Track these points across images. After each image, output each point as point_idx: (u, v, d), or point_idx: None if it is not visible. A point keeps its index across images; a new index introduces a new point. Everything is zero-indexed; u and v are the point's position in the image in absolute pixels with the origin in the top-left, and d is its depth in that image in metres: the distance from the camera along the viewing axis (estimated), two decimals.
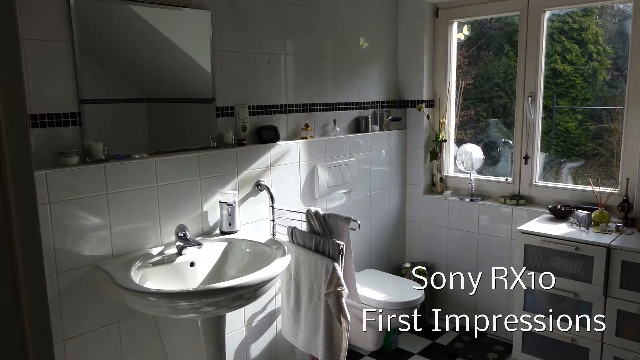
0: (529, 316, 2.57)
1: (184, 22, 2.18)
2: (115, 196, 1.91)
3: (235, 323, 2.41)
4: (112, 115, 2.02)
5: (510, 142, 3.17)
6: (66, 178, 1.77)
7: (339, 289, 2.16)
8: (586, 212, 2.56)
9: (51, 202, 1.73)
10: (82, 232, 1.83)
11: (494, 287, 3.09)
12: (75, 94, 1.85)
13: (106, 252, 1.91)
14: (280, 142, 2.55)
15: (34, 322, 0.51)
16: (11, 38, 0.46)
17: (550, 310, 2.51)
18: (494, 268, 3.06)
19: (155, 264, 1.95)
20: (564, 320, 2.45)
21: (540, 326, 2.54)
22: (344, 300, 2.17)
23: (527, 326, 2.58)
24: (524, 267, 2.55)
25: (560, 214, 2.70)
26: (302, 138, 2.70)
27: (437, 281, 3.37)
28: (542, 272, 2.49)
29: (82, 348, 1.87)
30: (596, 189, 2.65)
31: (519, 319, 2.61)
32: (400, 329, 3.19)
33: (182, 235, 2.01)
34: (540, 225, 2.61)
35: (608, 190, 2.63)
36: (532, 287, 2.54)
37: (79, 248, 1.83)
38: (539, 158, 3.00)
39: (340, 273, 2.18)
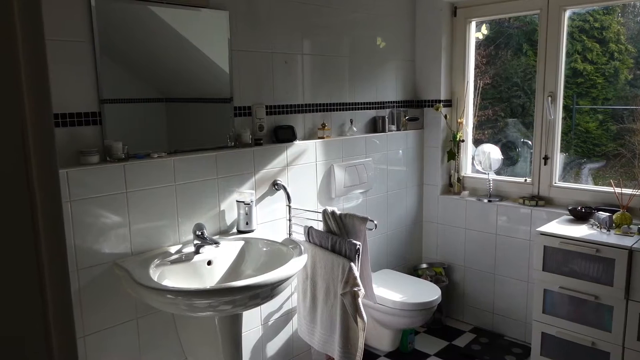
0: (548, 319, 2.54)
1: (202, 23, 2.20)
2: (135, 195, 1.93)
3: (252, 322, 2.42)
4: (132, 114, 2.05)
5: (529, 142, 3.13)
6: (87, 177, 1.80)
7: (356, 289, 2.15)
8: (607, 214, 2.52)
9: (72, 200, 1.76)
10: (101, 230, 1.86)
11: (512, 288, 3.06)
12: (96, 93, 1.87)
13: (125, 250, 1.93)
14: (297, 142, 2.56)
15: (59, 318, 0.52)
16: (37, 40, 0.47)
17: (570, 313, 2.47)
18: (512, 269, 3.04)
19: (173, 262, 1.97)
20: (584, 323, 2.42)
21: (559, 329, 2.50)
22: (360, 300, 2.17)
23: (546, 329, 2.55)
24: (543, 269, 2.52)
25: (580, 215, 2.66)
26: (319, 138, 2.70)
27: (455, 282, 3.35)
28: (561, 275, 2.46)
29: (102, 344, 1.90)
30: (618, 190, 2.60)
31: (537, 321, 2.58)
32: (416, 330, 3.18)
33: (200, 233, 2.03)
34: (559, 226, 2.57)
35: (630, 192, 2.58)
36: (552, 289, 2.50)
37: (98, 246, 1.85)
38: (558, 158, 2.95)
39: (357, 273, 2.18)
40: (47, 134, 0.49)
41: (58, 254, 0.51)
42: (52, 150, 0.49)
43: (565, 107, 2.93)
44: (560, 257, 2.47)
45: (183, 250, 2.03)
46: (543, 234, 2.51)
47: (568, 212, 2.73)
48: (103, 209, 1.85)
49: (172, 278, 1.91)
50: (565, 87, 2.90)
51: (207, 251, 2.06)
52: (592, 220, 2.60)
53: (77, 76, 1.83)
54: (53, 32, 1.74)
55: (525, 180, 3.07)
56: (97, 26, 1.84)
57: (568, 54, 2.88)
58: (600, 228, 2.50)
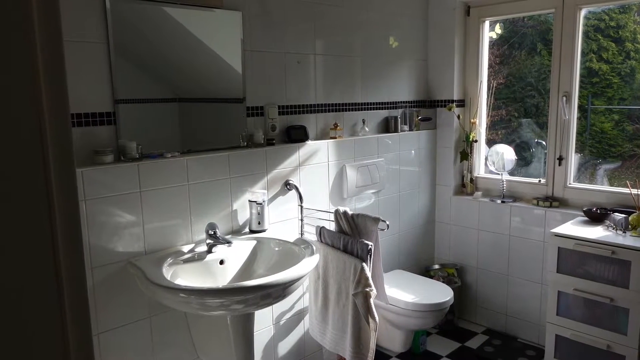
0: (563, 321, 2.51)
1: (216, 23, 2.21)
2: (148, 194, 1.95)
3: (264, 321, 2.43)
4: (145, 114, 2.07)
5: (543, 142, 3.11)
6: (101, 176, 1.82)
7: (367, 289, 2.15)
8: (623, 215, 2.49)
9: (87, 199, 1.78)
10: (116, 229, 1.88)
11: (525, 290, 3.04)
12: (111, 94, 1.90)
13: (139, 249, 1.95)
14: (309, 142, 2.56)
15: (75, 315, 0.53)
16: (56, 42, 0.48)
17: (585, 316, 2.44)
18: (525, 271, 3.02)
19: (186, 261, 1.99)
20: (599, 326, 2.39)
21: (574, 331, 2.48)
22: (372, 300, 2.16)
23: (560, 331, 2.53)
24: (557, 271, 2.50)
25: (595, 216, 2.63)
26: (331, 138, 2.70)
27: (467, 283, 3.33)
28: (576, 277, 2.43)
29: (115, 342, 1.92)
30: (634, 191, 2.57)
31: (551, 323, 2.56)
32: (428, 331, 3.17)
33: (212, 233, 2.04)
34: (574, 228, 2.55)
35: None
36: (566, 291, 2.48)
37: (112, 244, 1.87)
38: (573, 159, 2.92)
39: (369, 273, 2.18)
40: (65, 135, 0.50)
41: (75, 252, 0.52)
42: (69, 150, 0.50)
43: (580, 107, 2.90)
44: (574, 258, 2.45)
45: (196, 250, 2.05)
46: (557, 235, 2.49)
47: (583, 214, 2.70)
48: (117, 207, 1.87)
49: (185, 277, 1.93)
50: (580, 86, 2.87)
51: (220, 250, 2.07)
52: (607, 222, 2.57)
53: (93, 76, 1.85)
54: (69, 33, 1.77)
55: (539, 181, 3.05)
56: (112, 27, 1.86)
57: (583, 54, 2.85)
58: (616, 229, 2.47)
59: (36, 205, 0.50)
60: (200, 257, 2.03)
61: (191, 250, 2.04)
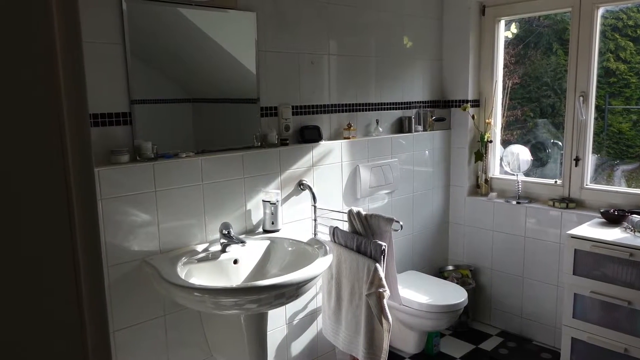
0: (579, 324, 2.48)
1: (230, 24, 2.23)
2: (163, 194, 1.97)
3: (277, 321, 2.44)
4: (161, 115, 2.09)
5: (560, 143, 3.07)
6: (117, 175, 1.84)
7: (381, 290, 2.15)
8: None
9: (103, 198, 1.80)
10: (131, 228, 1.90)
11: (541, 292, 3.01)
12: (127, 94, 1.92)
13: (154, 248, 1.97)
14: (322, 142, 2.57)
15: (93, 314, 0.54)
16: (75, 44, 0.49)
17: (602, 319, 2.41)
18: (541, 273, 2.99)
19: (200, 260, 2.00)
20: (617, 329, 2.36)
21: (590, 334, 2.45)
22: (385, 301, 2.16)
23: (577, 334, 2.50)
24: (574, 273, 2.47)
25: (613, 218, 2.60)
26: (345, 138, 2.70)
27: (482, 285, 3.31)
28: (593, 279, 2.40)
29: (130, 340, 1.94)
30: None
31: (567, 326, 2.53)
32: (442, 333, 3.15)
33: (227, 232, 2.06)
34: (591, 229, 2.52)
35: None
36: (582, 293, 2.45)
37: (128, 243, 1.90)
38: (590, 160, 2.89)
39: (382, 274, 2.17)
40: (84, 135, 0.51)
41: (93, 251, 0.53)
42: (88, 150, 0.51)
43: (597, 107, 2.86)
44: (591, 261, 2.42)
45: (210, 249, 2.06)
46: (574, 237, 2.46)
47: (600, 215, 2.67)
48: (133, 207, 1.89)
49: (199, 276, 1.94)
50: (598, 86, 2.83)
51: (234, 250, 2.09)
52: (625, 224, 2.53)
53: (109, 77, 1.87)
54: (86, 34, 1.79)
55: (555, 182, 3.01)
56: (128, 29, 1.89)
57: (600, 53, 2.81)
58: (634, 231, 2.43)
59: (56, 204, 0.51)
60: (214, 256, 2.04)
61: (205, 250, 2.05)
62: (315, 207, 2.50)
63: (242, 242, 2.08)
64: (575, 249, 2.46)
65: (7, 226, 0.48)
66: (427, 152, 3.20)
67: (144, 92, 1.97)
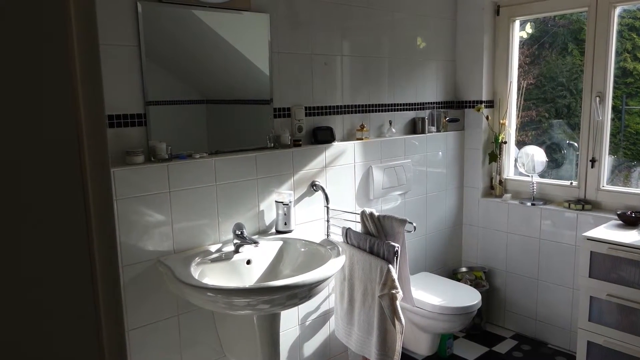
0: (595, 327, 2.45)
1: (243, 26, 2.24)
2: (177, 194, 1.99)
3: (290, 321, 2.44)
4: (175, 116, 2.10)
5: (575, 144, 3.04)
6: (132, 176, 1.86)
7: (394, 292, 2.14)
8: None
9: (118, 198, 1.82)
10: (146, 228, 1.92)
11: (556, 295, 2.97)
12: (142, 96, 1.94)
13: (168, 248, 1.99)
14: (335, 143, 2.57)
15: (109, 313, 0.55)
16: (92, 46, 0.50)
17: (619, 322, 2.38)
18: (556, 275, 2.96)
19: (213, 260, 2.01)
20: (634, 333, 2.32)
21: (606, 338, 2.41)
22: (398, 303, 2.15)
23: (593, 337, 2.46)
24: (590, 276, 2.44)
25: (630, 220, 2.56)
26: (358, 139, 2.70)
27: (495, 287, 3.28)
28: (609, 282, 2.37)
29: (144, 339, 1.96)
30: None
31: (583, 329, 2.50)
32: (455, 335, 3.13)
33: (240, 233, 2.07)
34: (607, 232, 2.48)
35: None
36: (598, 296, 2.42)
37: (142, 243, 1.91)
38: (606, 161, 2.85)
39: (395, 275, 2.17)
40: (100, 136, 0.51)
41: (109, 250, 0.54)
42: (104, 151, 0.52)
43: (614, 108, 2.83)
44: (608, 263, 2.38)
45: (223, 249, 2.07)
46: (590, 239, 2.43)
47: (617, 217, 2.63)
48: (147, 207, 1.91)
49: (212, 276, 1.96)
50: (614, 87, 2.80)
51: (247, 250, 2.09)
52: None
53: (124, 79, 1.90)
54: (102, 37, 1.81)
55: (571, 183, 2.98)
56: (143, 31, 1.90)
57: (617, 53, 2.77)
58: None
59: (73, 204, 0.51)
60: (227, 256, 2.05)
61: (218, 250, 2.06)
62: (327, 208, 2.50)
63: (255, 242, 2.09)
64: (591, 252, 2.42)
65: (26, 226, 0.49)
66: (440, 153, 3.19)
67: (159, 94, 1.99)
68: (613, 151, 2.88)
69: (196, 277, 1.81)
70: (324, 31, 2.53)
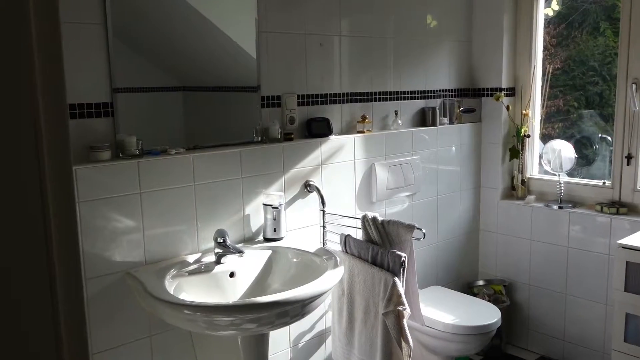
0: (632, 349, 2.47)
1: (226, 1, 2.23)
2: (149, 196, 1.98)
3: (280, 343, 2.44)
4: (147, 105, 2.10)
5: (609, 138, 3.05)
6: (97, 175, 1.85)
7: (400, 308, 2.15)
8: None
9: (80, 201, 1.82)
10: (113, 235, 1.91)
11: (587, 311, 2.99)
12: (108, 82, 1.93)
13: (139, 258, 1.98)
14: (333, 137, 2.57)
15: (71, 332, 0.55)
16: (52, 25, 0.49)
17: None
18: (587, 289, 2.97)
19: (191, 272, 2.01)
20: None
21: None
22: (405, 321, 2.16)
23: None
24: (625, 289, 2.45)
25: None
26: (359, 132, 2.70)
27: (517, 303, 3.30)
28: None
29: None
30: None
31: (618, 351, 2.51)
32: (471, 358, 3.14)
33: (222, 241, 2.06)
34: None
35: None
36: (636, 313, 2.43)
37: (109, 253, 1.91)
38: None
39: (402, 290, 2.17)
40: (62, 129, 0.51)
41: (72, 262, 0.54)
42: (66, 146, 0.52)
43: None
44: None
45: (202, 260, 2.07)
46: (625, 247, 2.44)
47: None
48: (115, 211, 1.90)
49: (190, 291, 1.95)
50: None
51: (230, 261, 2.09)
52: None
53: (87, 62, 1.89)
54: (62, 13, 1.80)
55: (604, 183, 3.00)
56: (110, 7, 1.90)
57: None
58: None
59: (29, 208, 0.51)
60: (207, 268, 2.05)
61: (197, 261, 2.06)
62: (324, 212, 2.51)
63: (240, 252, 2.09)
64: (627, 262, 2.44)
65: None
66: (454, 148, 3.19)
67: (128, 80, 1.99)
68: None
69: (171, 292, 1.81)
70: (320, 7, 2.53)
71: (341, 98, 2.68)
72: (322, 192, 2.49)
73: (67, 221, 0.53)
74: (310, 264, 2.13)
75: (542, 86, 3.24)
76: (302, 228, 2.48)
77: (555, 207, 3.06)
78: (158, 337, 2.06)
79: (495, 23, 3.20)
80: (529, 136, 3.25)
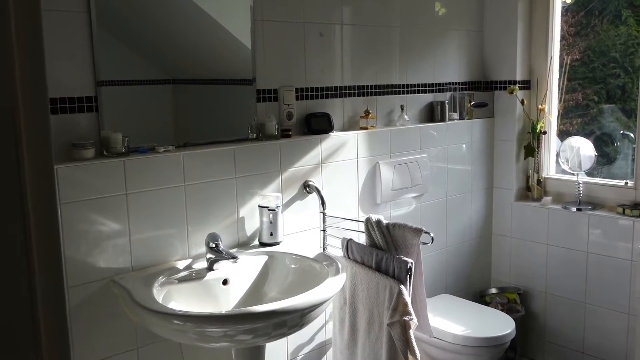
0: None
1: None
2: (136, 197, 1.98)
3: (277, 356, 2.44)
4: (134, 99, 2.10)
5: (631, 134, 3.06)
6: (80, 174, 1.85)
7: (406, 319, 2.15)
8: None
9: (62, 202, 1.81)
10: (97, 240, 1.91)
11: (608, 321, 2.99)
12: (92, 74, 1.93)
13: (124, 265, 1.98)
14: (334, 133, 2.57)
15: (53, 343, 0.55)
16: (33, 15, 0.49)
17: None
18: (608, 297, 2.97)
19: (181, 280, 2.01)
20: None
21: None
22: (412, 332, 2.16)
23: None
24: None
25: None
26: (362, 128, 2.70)
27: (533, 312, 3.30)
28: None
29: None
30: None
31: None
32: None
33: (214, 246, 2.06)
34: None
35: None
36: None
37: (93, 258, 1.91)
38: None
39: (408, 298, 2.17)
40: (43, 125, 0.51)
41: (53, 268, 0.53)
42: (47, 144, 0.52)
43: None
44: None
45: (193, 266, 2.07)
46: None
47: None
48: (99, 213, 1.90)
49: (180, 300, 1.95)
50: None
51: (223, 267, 2.09)
52: None
53: (70, 53, 1.89)
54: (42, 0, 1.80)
55: (626, 183, 3.00)
56: None
57: None
58: None
59: (8, 210, 0.51)
60: (198, 275, 2.05)
61: (188, 267, 2.06)
62: (324, 214, 2.50)
63: (234, 257, 2.09)
64: None
65: None
66: (464, 145, 3.19)
67: (114, 72, 1.99)
68: None
69: (160, 301, 1.80)
70: None
71: (343, 92, 2.67)
72: (322, 193, 2.49)
73: (49, 225, 0.53)
74: (310, 271, 2.13)
75: (560, 79, 3.24)
76: (300, 232, 2.48)
77: (574, 209, 3.06)
78: (146, 350, 2.06)
79: (508, 10, 3.20)
80: (545, 133, 3.25)
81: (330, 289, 1.91)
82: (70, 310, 1.88)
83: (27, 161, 0.52)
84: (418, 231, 2.28)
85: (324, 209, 2.50)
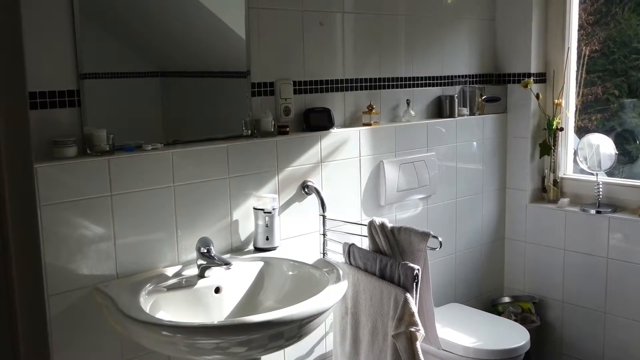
0: None
1: None
2: (122, 199, 1.98)
3: None
4: (119, 94, 2.10)
5: None
6: (61, 174, 1.85)
7: (413, 330, 2.15)
8: None
9: (42, 204, 1.81)
10: (79, 245, 1.91)
11: (629, 332, 2.99)
12: (74, 66, 1.93)
13: (109, 271, 1.98)
14: (334, 130, 2.57)
15: (32, 355, 0.55)
16: (11, 2, 0.50)
17: None
18: (629, 307, 2.97)
19: (170, 288, 2.01)
20: None
21: None
22: (418, 344, 2.16)
23: None
24: None
25: None
26: (364, 124, 2.70)
27: (549, 323, 3.30)
28: None
29: None
30: None
31: None
32: None
33: (206, 251, 2.06)
34: None
35: None
36: None
37: (75, 265, 1.91)
38: None
39: (414, 308, 2.17)
40: (21, 122, 0.51)
41: (33, 275, 0.54)
42: (26, 142, 0.52)
43: None
44: None
45: (183, 273, 2.07)
46: None
47: None
48: (81, 216, 1.90)
49: (169, 309, 1.95)
50: None
51: (215, 274, 2.09)
52: None
53: (50, 44, 1.89)
54: None
55: None
56: None
57: None
58: None
59: None
60: (189, 283, 2.05)
61: (177, 274, 2.06)
62: (324, 217, 2.51)
63: (227, 263, 2.09)
64: None
65: None
66: (475, 143, 3.20)
67: (97, 64, 1.99)
68: None
69: (147, 311, 1.80)
70: None
71: (344, 85, 2.68)
72: (322, 195, 2.49)
73: (28, 228, 0.53)
74: (309, 278, 2.13)
75: (578, 71, 3.24)
76: (298, 236, 2.49)
77: (593, 211, 3.06)
78: None
79: None
80: (562, 129, 3.25)
81: (330, 297, 1.91)
82: (51, 319, 1.88)
83: (4, 160, 0.52)
84: (425, 235, 2.28)
85: (323, 212, 2.50)
